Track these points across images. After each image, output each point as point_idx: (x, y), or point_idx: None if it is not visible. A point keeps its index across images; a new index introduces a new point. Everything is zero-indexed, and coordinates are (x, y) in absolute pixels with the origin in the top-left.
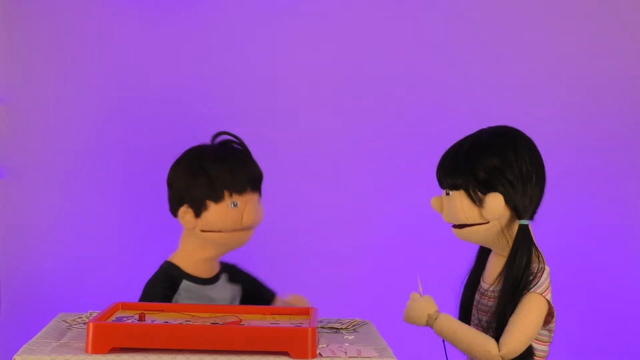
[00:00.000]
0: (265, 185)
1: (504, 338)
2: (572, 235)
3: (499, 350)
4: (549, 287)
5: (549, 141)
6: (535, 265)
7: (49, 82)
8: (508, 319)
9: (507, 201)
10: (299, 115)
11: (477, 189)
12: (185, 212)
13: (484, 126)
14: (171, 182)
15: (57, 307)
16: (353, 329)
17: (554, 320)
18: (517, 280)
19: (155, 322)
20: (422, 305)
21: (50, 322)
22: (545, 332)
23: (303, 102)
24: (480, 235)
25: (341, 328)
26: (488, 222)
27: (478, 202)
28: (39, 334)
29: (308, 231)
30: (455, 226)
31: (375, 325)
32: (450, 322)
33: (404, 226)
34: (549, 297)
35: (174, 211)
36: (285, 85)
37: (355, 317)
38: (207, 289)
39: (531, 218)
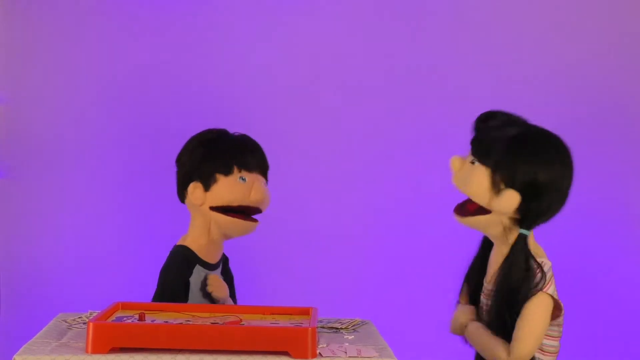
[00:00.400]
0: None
1: (513, 343)
2: (571, 235)
3: (509, 356)
4: (550, 281)
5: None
6: (534, 269)
7: (49, 82)
8: (506, 319)
9: (521, 205)
10: (301, 114)
11: (504, 179)
12: (195, 187)
13: None
14: (180, 160)
15: (57, 307)
16: (353, 329)
17: (562, 314)
18: (512, 287)
19: (155, 322)
20: (458, 314)
21: (50, 322)
22: (554, 327)
23: (305, 101)
24: (481, 225)
25: (341, 328)
26: (490, 213)
27: (496, 190)
28: (39, 334)
29: (308, 231)
30: (457, 212)
31: (375, 325)
32: (477, 330)
33: (404, 226)
34: (551, 291)
35: (182, 191)
36: (288, 85)
37: (355, 317)
38: (213, 275)
39: (531, 228)
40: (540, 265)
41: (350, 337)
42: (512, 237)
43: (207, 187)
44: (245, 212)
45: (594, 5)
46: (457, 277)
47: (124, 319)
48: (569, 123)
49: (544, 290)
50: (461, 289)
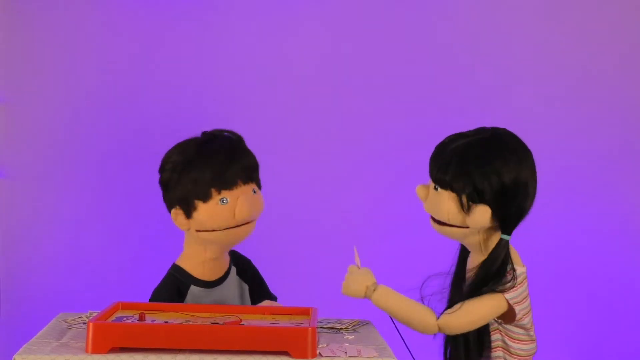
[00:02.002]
0: (265, 185)
1: (447, 312)
2: (570, 235)
3: (438, 321)
4: (514, 287)
5: (548, 142)
6: (506, 272)
7: (49, 82)
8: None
9: (495, 214)
10: (299, 114)
11: (468, 196)
12: (176, 213)
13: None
14: (161, 183)
15: (57, 307)
16: (353, 329)
17: (520, 317)
18: (480, 285)
19: (155, 322)
20: (361, 277)
21: (50, 322)
22: (519, 331)
23: (304, 101)
24: (457, 236)
25: (341, 328)
26: (468, 228)
27: (465, 209)
28: (39, 333)
29: (308, 231)
30: (434, 220)
31: (375, 325)
32: (389, 294)
33: (404, 226)
34: (509, 296)
35: (169, 212)
36: (286, 84)
37: (355, 317)
38: (216, 292)
39: (511, 232)
40: (514, 272)
41: (350, 337)
42: (492, 243)
43: (188, 215)
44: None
45: (594, 5)
46: None
47: (124, 319)
48: (564, 125)
49: (504, 293)
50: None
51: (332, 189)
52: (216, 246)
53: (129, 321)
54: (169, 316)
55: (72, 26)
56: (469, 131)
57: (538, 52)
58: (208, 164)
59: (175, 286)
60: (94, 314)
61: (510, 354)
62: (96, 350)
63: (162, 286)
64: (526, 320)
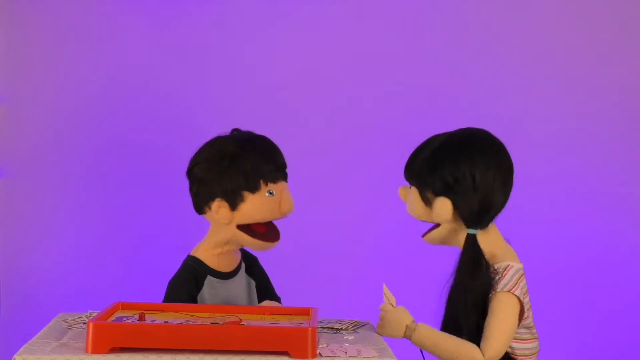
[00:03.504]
0: None
1: (486, 342)
2: (570, 235)
3: (484, 355)
4: (517, 283)
5: (546, 141)
6: (491, 269)
7: (49, 82)
8: (464, 322)
9: (456, 207)
10: (300, 115)
11: (428, 191)
12: (219, 206)
13: (485, 127)
14: (198, 177)
15: (57, 307)
16: (353, 329)
17: (526, 316)
18: (463, 287)
19: (155, 322)
20: (397, 316)
21: (50, 322)
22: (523, 330)
23: (305, 102)
24: (439, 238)
25: (341, 328)
26: (440, 225)
27: (428, 203)
28: (39, 333)
29: (308, 231)
30: (422, 235)
31: (375, 325)
32: (430, 332)
33: (404, 226)
34: (518, 293)
35: (202, 207)
36: (289, 86)
37: (355, 318)
38: (229, 283)
39: (485, 226)
40: (490, 266)
41: (350, 338)
42: (462, 239)
43: (234, 206)
44: (270, 226)
45: (594, 5)
46: None
47: (124, 319)
48: (562, 124)
49: (512, 292)
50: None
51: (332, 189)
52: (239, 245)
53: (129, 321)
54: (169, 316)
55: (72, 26)
56: (438, 134)
57: (540, 53)
58: (257, 157)
59: (193, 275)
60: (94, 314)
61: (517, 355)
62: (96, 350)
63: (180, 278)
64: (530, 319)
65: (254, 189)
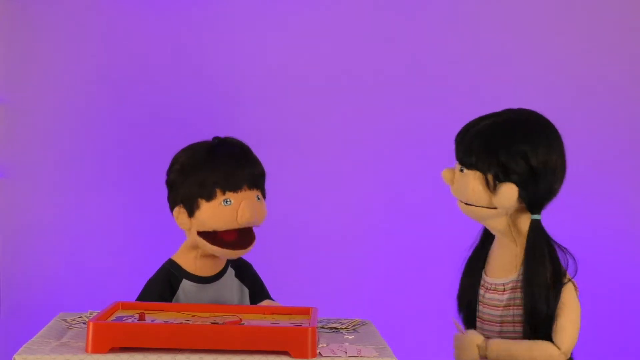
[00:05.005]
0: (266, 185)
1: (560, 335)
2: (570, 235)
3: (560, 349)
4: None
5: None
6: (559, 255)
7: (49, 82)
8: (546, 313)
9: (522, 194)
10: (299, 116)
11: (494, 175)
12: (179, 212)
13: None
14: (168, 183)
15: (57, 307)
16: (353, 329)
17: None
18: (547, 277)
19: (155, 322)
20: (469, 340)
21: (50, 321)
22: None
23: (304, 101)
24: (485, 216)
25: (341, 328)
26: (496, 209)
27: (492, 188)
28: (39, 333)
29: (308, 231)
30: (461, 201)
31: (375, 325)
32: (502, 344)
33: (404, 226)
34: (574, 284)
35: (172, 212)
36: (289, 86)
37: (355, 317)
38: (208, 288)
39: (540, 212)
40: (564, 249)
41: (350, 337)
42: (524, 226)
43: (190, 213)
44: (242, 233)
45: (593, 5)
46: (457, 276)
47: (124, 318)
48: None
49: (573, 279)
50: (459, 310)
51: (332, 189)
52: (203, 251)
53: (129, 321)
54: (169, 316)
55: (72, 26)
56: (494, 112)
57: (539, 54)
58: (216, 165)
59: (167, 279)
60: (94, 314)
61: None
62: (96, 350)
63: (155, 278)
64: None
65: (208, 197)
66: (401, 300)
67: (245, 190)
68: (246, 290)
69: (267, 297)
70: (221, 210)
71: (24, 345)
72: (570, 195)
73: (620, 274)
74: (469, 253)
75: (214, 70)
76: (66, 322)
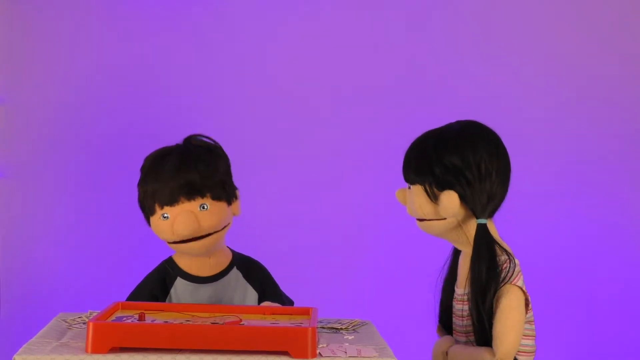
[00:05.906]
0: (264, 185)
1: (496, 342)
2: (569, 235)
3: (494, 356)
4: (519, 275)
5: (548, 141)
6: (500, 258)
7: (49, 82)
8: (485, 319)
9: (463, 200)
10: (299, 116)
11: (433, 186)
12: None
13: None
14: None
15: (57, 307)
16: (353, 329)
17: (529, 308)
18: (483, 279)
19: (155, 322)
20: (437, 346)
21: (50, 322)
22: (527, 326)
23: (303, 101)
24: (439, 230)
25: (341, 328)
26: (445, 219)
27: (433, 199)
28: (38, 333)
29: (308, 231)
30: (420, 221)
31: (375, 325)
32: (456, 350)
33: (404, 226)
34: (520, 284)
35: None
36: (288, 86)
37: (355, 317)
38: (204, 288)
39: (490, 216)
40: (507, 253)
41: (350, 337)
42: (472, 231)
43: (149, 225)
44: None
45: (593, 5)
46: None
47: (124, 319)
48: (563, 124)
49: (513, 282)
50: (439, 318)
51: (332, 189)
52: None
53: (129, 321)
54: (169, 316)
55: (72, 26)
56: (436, 127)
57: (540, 54)
58: (155, 179)
59: (162, 276)
60: (94, 314)
61: (518, 352)
62: (96, 350)
63: (150, 275)
64: (530, 313)
65: (150, 212)
66: (401, 300)
67: (182, 203)
68: (252, 293)
69: (270, 299)
70: (160, 225)
71: (23, 346)
72: (572, 195)
73: (621, 274)
74: (444, 271)
75: (214, 70)
76: (66, 322)
